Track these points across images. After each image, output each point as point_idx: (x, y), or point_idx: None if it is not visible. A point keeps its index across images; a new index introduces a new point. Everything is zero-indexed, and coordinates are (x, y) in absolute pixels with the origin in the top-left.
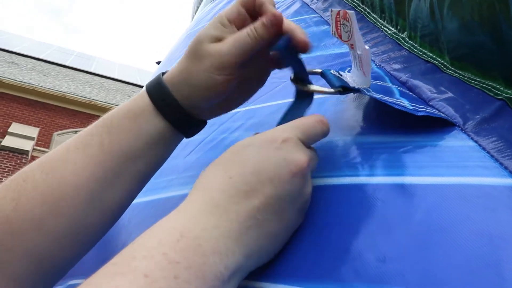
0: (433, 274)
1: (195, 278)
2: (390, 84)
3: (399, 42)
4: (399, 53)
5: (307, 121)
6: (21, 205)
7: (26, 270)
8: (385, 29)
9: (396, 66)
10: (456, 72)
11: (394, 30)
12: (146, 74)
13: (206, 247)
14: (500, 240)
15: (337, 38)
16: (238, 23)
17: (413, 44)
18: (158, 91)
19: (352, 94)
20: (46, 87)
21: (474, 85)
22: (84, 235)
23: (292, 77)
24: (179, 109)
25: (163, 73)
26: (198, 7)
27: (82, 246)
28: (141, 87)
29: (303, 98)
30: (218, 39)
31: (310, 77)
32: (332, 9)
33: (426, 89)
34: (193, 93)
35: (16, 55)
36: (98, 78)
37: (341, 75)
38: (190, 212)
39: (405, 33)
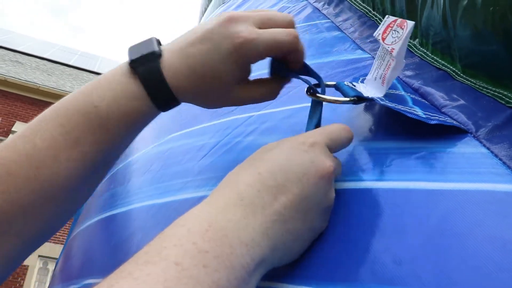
0: (448, 277)
1: (224, 268)
2: (403, 92)
3: (411, 49)
4: (411, 60)
5: (334, 128)
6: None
7: (15, 249)
8: None
9: (408, 73)
10: (467, 80)
11: None
12: None
13: (233, 238)
14: None
15: (379, 39)
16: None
17: (425, 51)
18: (157, 83)
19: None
20: (50, 86)
21: (485, 93)
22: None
23: (306, 89)
24: (171, 96)
25: (159, 56)
26: (206, 9)
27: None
28: None
29: (317, 108)
30: (237, 80)
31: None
32: (389, 16)
33: (438, 96)
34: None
35: (20, 54)
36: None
37: (354, 86)
38: (218, 204)
39: (417, 40)
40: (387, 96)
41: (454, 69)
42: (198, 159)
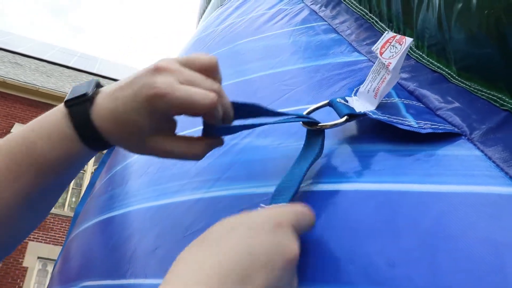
0: (440, 279)
1: None
2: (396, 99)
3: (407, 52)
4: (406, 62)
5: (303, 209)
6: None
7: None
8: None
9: (404, 75)
10: (462, 83)
11: None
12: None
13: None
14: (505, 246)
15: (376, 53)
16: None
17: (421, 53)
18: (84, 124)
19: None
20: (49, 88)
21: (480, 95)
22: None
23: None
24: (100, 137)
25: (90, 98)
26: (204, 10)
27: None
28: None
29: (313, 143)
30: (156, 130)
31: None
32: (389, 31)
33: (433, 98)
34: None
35: (20, 56)
36: (101, 79)
37: (347, 102)
38: None
39: (413, 42)
40: (380, 106)
41: (449, 71)
42: (195, 162)
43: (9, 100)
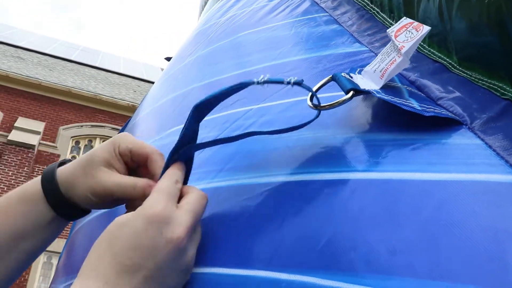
0: (441, 266)
1: None
2: (399, 85)
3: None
4: None
5: (169, 182)
6: None
7: None
8: None
9: None
10: (464, 72)
11: None
12: (151, 69)
13: None
14: (505, 234)
15: (391, 36)
16: (127, 159)
17: (422, 43)
18: (49, 183)
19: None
20: (52, 82)
21: (481, 85)
22: None
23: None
24: (65, 201)
25: (61, 163)
26: (206, 3)
27: None
28: (147, 81)
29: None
30: (109, 164)
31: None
32: (407, 18)
33: (434, 88)
34: (77, 196)
35: (22, 50)
36: (104, 72)
37: (351, 77)
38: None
39: None
40: (383, 88)
41: (450, 61)
42: (198, 153)
43: (12, 94)
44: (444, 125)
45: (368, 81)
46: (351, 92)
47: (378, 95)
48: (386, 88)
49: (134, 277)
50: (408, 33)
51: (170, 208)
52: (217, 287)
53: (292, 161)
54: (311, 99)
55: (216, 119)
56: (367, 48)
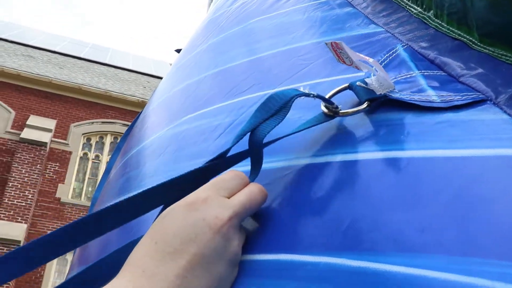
0: (471, 242)
1: None
2: (416, 72)
3: (425, 21)
4: (425, 32)
5: (225, 176)
6: None
7: None
8: (410, 8)
9: (424, 44)
10: (485, 48)
11: (420, 9)
12: (160, 64)
13: None
14: None
15: (342, 64)
16: None
17: (440, 22)
18: None
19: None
20: (62, 79)
21: (504, 60)
22: None
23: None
24: None
25: None
26: None
27: None
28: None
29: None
30: None
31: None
32: (326, 42)
33: (455, 65)
34: None
35: (32, 48)
36: (113, 69)
37: (367, 84)
38: (123, 281)
39: (431, 12)
40: (399, 82)
41: (470, 38)
42: (214, 139)
43: (23, 92)
44: (467, 103)
45: (383, 81)
46: (367, 103)
47: (394, 97)
48: (402, 82)
49: (176, 263)
50: (343, 54)
51: (215, 196)
52: (244, 272)
53: (310, 144)
54: (326, 105)
55: (231, 105)
56: (383, 29)
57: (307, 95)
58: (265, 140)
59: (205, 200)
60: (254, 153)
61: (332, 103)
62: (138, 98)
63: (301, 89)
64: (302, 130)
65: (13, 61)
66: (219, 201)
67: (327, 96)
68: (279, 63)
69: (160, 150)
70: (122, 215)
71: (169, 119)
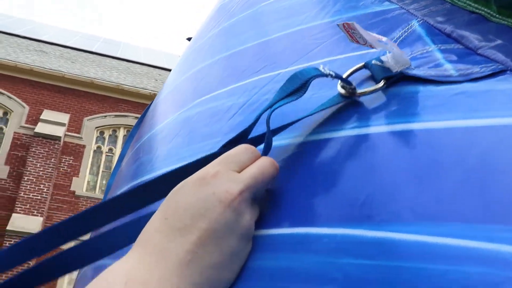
0: (493, 210)
1: None
2: (432, 47)
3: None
4: (441, 7)
5: (236, 150)
6: None
7: None
8: None
9: (440, 18)
10: (504, 20)
11: None
12: (172, 57)
13: (152, 285)
14: None
15: (356, 43)
16: None
17: None
18: None
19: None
20: (74, 74)
21: None
22: None
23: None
24: None
25: None
26: None
27: None
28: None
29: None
30: None
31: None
32: (337, 23)
33: (473, 38)
34: None
35: (44, 44)
36: (125, 62)
37: (383, 62)
38: (133, 256)
39: None
40: (416, 58)
41: (488, 11)
42: (227, 119)
43: (36, 87)
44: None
45: (399, 58)
46: (383, 81)
47: (411, 73)
48: (418, 57)
49: (186, 239)
50: (356, 34)
51: (225, 170)
52: (259, 247)
53: (326, 120)
54: (343, 85)
55: (244, 85)
56: (398, 6)
57: (326, 75)
58: (280, 123)
59: (215, 175)
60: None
61: (350, 83)
62: (150, 91)
63: (321, 68)
64: (318, 112)
65: (26, 56)
66: (229, 175)
67: (344, 76)
68: (292, 43)
69: (173, 134)
70: (139, 200)
71: (180, 103)
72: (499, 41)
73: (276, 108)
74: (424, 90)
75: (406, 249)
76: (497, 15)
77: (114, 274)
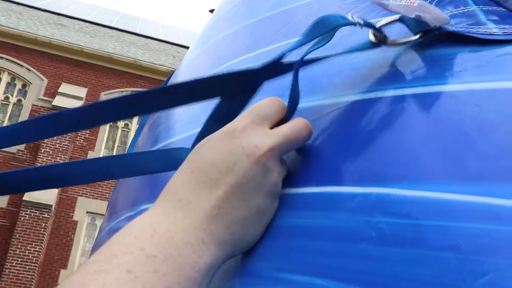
0: None
1: (173, 270)
2: (473, 7)
3: None
4: None
5: (261, 103)
6: None
7: None
8: None
9: None
10: None
11: None
12: (190, 34)
13: (178, 239)
14: None
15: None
16: None
17: None
18: None
19: None
20: (93, 48)
21: None
22: None
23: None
24: None
25: None
26: None
27: None
28: (186, 47)
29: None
30: None
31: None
32: None
33: None
34: None
35: (64, 17)
36: (143, 39)
37: (420, 17)
38: (159, 209)
39: None
40: (456, 17)
41: None
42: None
43: (55, 60)
44: None
45: (438, 14)
46: (419, 34)
47: (451, 29)
48: (459, 15)
49: (213, 193)
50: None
51: (255, 125)
52: (289, 205)
53: (359, 81)
54: (375, 33)
55: (272, 50)
56: None
57: (354, 23)
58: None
59: (244, 128)
60: (295, 74)
61: (381, 31)
62: (168, 68)
63: (349, 16)
64: (345, 53)
65: (45, 29)
66: (258, 130)
67: (376, 26)
68: (325, 7)
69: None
70: (181, 96)
71: (206, 69)
72: None
73: (305, 55)
74: (465, 51)
75: (446, 208)
76: None
77: (140, 227)
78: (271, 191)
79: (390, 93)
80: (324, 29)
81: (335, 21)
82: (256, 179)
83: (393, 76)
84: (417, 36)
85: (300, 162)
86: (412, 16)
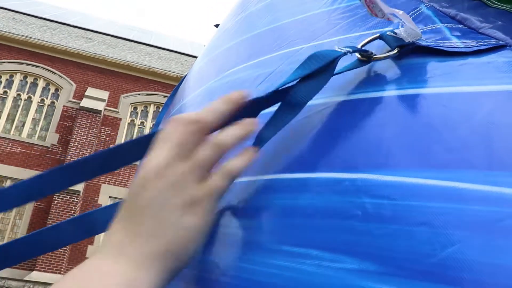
0: (499, 159)
1: None
2: (440, 25)
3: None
4: None
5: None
6: None
7: None
8: None
9: (444, 4)
10: (502, 6)
11: None
12: (196, 46)
13: None
14: None
15: (375, 17)
16: None
17: None
18: None
19: None
20: (114, 57)
21: None
22: None
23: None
24: None
25: None
26: None
27: None
28: (193, 56)
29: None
30: None
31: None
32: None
33: (475, 20)
34: None
35: (90, 32)
36: (156, 49)
37: (396, 34)
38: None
39: None
40: (426, 33)
41: None
42: (255, 86)
43: (83, 68)
44: (488, 49)
45: (411, 31)
46: (397, 49)
47: (422, 43)
48: (428, 32)
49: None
50: (375, 7)
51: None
52: (285, 188)
53: (346, 85)
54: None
55: (271, 58)
56: None
57: (345, 53)
58: None
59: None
60: (285, 108)
61: (367, 51)
62: (177, 74)
63: (336, 48)
64: (340, 73)
65: (74, 42)
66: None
67: (359, 46)
68: (314, 23)
69: (206, 101)
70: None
71: (212, 75)
72: (499, 22)
73: (311, 96)
74: (433, 61)
75: (419, 191)
76: (495, 2)
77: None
78: (188, 204)
79: (372, 95)
80: (319, 63)
81: (327, 54)
82: (160, 198)
83: (374, 81)
84: (395, 51)
85: (295, 151)
86: (395, 21)
